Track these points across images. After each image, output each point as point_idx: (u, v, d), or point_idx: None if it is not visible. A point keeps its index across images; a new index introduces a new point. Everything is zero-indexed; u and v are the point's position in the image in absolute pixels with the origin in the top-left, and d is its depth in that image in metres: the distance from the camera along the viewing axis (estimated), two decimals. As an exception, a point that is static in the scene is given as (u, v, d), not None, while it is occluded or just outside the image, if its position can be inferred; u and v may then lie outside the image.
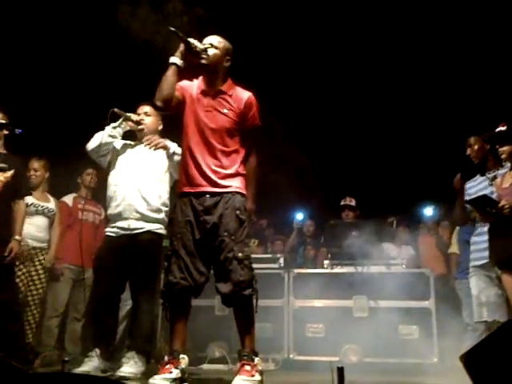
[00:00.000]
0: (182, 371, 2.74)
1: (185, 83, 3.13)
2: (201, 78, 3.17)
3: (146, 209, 3.72)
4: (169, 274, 2.92)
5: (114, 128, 3.84)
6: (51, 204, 4.99)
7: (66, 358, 2.38)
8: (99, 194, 4.93)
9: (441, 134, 6.67)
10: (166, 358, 2.79)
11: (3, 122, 4.00)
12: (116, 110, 3.76)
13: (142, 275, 3.65)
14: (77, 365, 3.52)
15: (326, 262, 5.18)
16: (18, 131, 4.08)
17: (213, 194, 2.96)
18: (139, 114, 3.95)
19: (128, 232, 3.70)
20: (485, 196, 3.56)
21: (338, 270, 5.09)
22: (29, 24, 5.88)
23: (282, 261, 5.34)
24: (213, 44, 3.08)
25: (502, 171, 3.81)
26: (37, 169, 4.90)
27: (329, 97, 7.00)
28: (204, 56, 3.02)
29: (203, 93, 3.10)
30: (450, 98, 6.68)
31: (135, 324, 3.66)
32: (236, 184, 3.01)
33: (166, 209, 3.83)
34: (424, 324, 4.74)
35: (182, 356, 2.80)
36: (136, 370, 3.43)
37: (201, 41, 3.08)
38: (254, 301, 2.90)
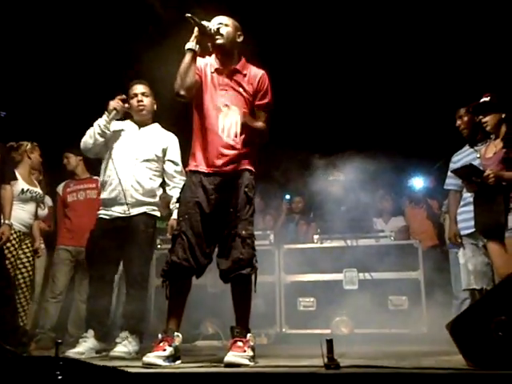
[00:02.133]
0: (176, 348, 2.76)
1: (198, 63, 3.04)
2: (213, 56, 3.12)
3: (140, 193, 3.71)
4: (172, 254, 2.90)
5: (104, 126, 3.73)
6: (39, 189, 4.99)
7: (59, 340, 2.39)
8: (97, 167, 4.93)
9: (431, 104, 6.64)
10: (160, 336, 2.82)
11: None
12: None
13: (134, 255, 3.65)
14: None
15: (316, 236, 5.23)
16: (1, 114, 4.04)
17: (224, 173, 2.94)
18: (136, 95, 3.81)
19: (123, 215, 3.69)
20: (471, 165, 3.59)
21: (327, 244, 5.14)
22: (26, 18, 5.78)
23: (272, 237, 5.39)
24: (223, 23, 3.03)
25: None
26: (32, 151, 4.86)
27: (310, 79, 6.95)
28: (218, 36, 2.98)
29: (217, 71, 3.05)
30: (441, 67, 6.64)
31: (128, 304, 3.69)
32: (246, 161, 3.00)
33: (160, 192, 3.85)
34: (413, 295, 4.82)
35: (176, 334, 2.83)
36: (130, 349, 3.47)
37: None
38: (253, 279, 2.88)
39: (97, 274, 3.70)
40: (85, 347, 3.52)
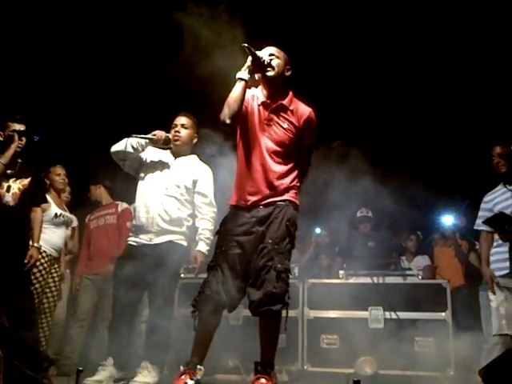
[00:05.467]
0: (197, 382, 2.71)
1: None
2: (260, 87, 3.09)
3: (167, 222, 3.74)
4: (205, 285, 2.88)
5: (139, 143, 3.82)
6: (68, 213, 5.08)
7: (81, 368, 2.38)
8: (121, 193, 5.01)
9: (463, 140, 6.57)
10: (182, 368, 2.77)
11: (22, 129, 4.05)
12: (134, 136, 3.78)
13: (158, 284, 3.63)
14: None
15: (341, 272, 5.14)
16: (36, 138, 4.14)
17: (266, 206, 2.92)
18: (176, 125, 3.91)
19: (148, 243, 3.72)
20: (501, 214, 3.51)
21: (353, 280, 5.05)
22: (53, 33, 5.95)
23: (296, 270, 5.32)
24: (274, 54, 3.01)
25: None
26: (63, 175, 4.97)
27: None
28: (270, 68, 2.95)
29: (264, 105, 3.02)
30: (476, 106, 6.59)
31: (151, 333, 3.65)
32: (291, 195, 2.97)
33: (189, 223, 3.85)
34: (440, 336, 4.67)
35: (199, 367, 2.78)
36: (150, 379, 3.42)
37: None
38: (284, 316, 2.81)
39: (120, 300, 3.69)
40: (103, 376, 3.49)
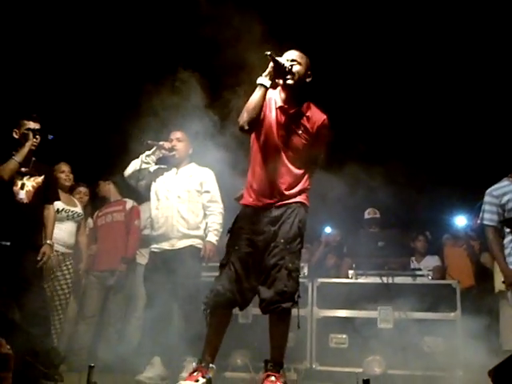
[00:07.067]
0: (209, 381, 2.73)
1: None
2: (278, 89, 3.08)
3: (186, 228, 4.10)
4: (217, 283, 2.91)
5: (148, 156, 4.19)
6: (78, 208, 5.09)
7: (92, 364, 2.41)
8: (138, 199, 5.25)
9: (476, 142, 6.54)
10: (195, 365, 2.79)
11: (37, 127, 4.09)
12: (149, 141, 4.15)
13: (184, 285, 3.91)
14: (106, 371, 3.70)
15: (351, 271, 5.14)
16: (50, 137, 4.19)
17: (279, 207, 2.96)
18: (172, 140, 4.26)
19: (171, 248, 4.07)
20: None
21: (362, 280, 5.05)
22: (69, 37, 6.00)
23: (306, 270, 5.33)
24: (296, 60, 3.00)
25: None
26: (67, 171, 5.01)
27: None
28: (290, 76, 2.94)
29: (281, 110, 3.03)
30: (490, 107, 6.55)
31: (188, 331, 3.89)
32: (302, 197, 3.02)
33: (204, 225, 4.21)
34: (450, 336, 4.66)
35: (211, 366, 2.80)
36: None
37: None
38: (295, 314, 2.85)
39: (156, 305, 3.98)
40: (152, 373, 3.75)
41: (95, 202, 5.66)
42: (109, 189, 5.44)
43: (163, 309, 3.96)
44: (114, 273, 5.01)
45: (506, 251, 3.91)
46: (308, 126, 3.01)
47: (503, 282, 3.97)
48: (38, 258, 3.96)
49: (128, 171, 4.25)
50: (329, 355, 4.84)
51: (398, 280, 4.93)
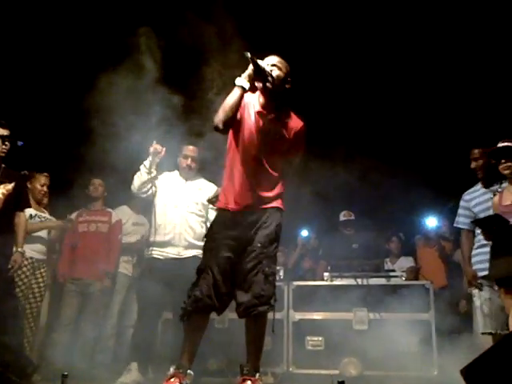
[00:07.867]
0: (186, 387, 2.72)
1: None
2: (257, 94, 3.08)
3: (192, 237, 4.18)
4: (195, 288, 2.90)
5: (150, 166, 4.17)
6: (47, 214, 5.05)
7: (66, 373, 2.37)
8: (110, 202, 5.04)
9: (446, 143, 6.63)
10: (172, 370, 2.77)
11: (5, 134, 4.02)
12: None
13: (182, 292, 3.83)
14: (83, 378, 3.69)
15: (326, 274, 5.17)
16: (19, 143, 4.11)
17: (255, 211, 2.97)
18: (188, 156, 4.32)
19: (176, 256, 4.07)
20: (496, 216, 3.49)
21: (337, 282, 5.08)
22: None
23: (281, 273, 5.34)
24: (276, 65, 2.99)
25: (504, 185, 3.80)
26: (45, 185, 4.96)
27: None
28: (269, 79, 2.93)
29: (260, 114, 3.03)
30: (459, 108, 6.65)
31: None
32: (279, 202, 3.04)
33: None
34: (424, 336, 4.71)
35: (188, 372, 2.79)
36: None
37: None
38: (271, 318, 2.87)
39: (144, 310, 4.02)
40: (128, 379, 3.70)
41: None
42: (102, 191, 5.37)
43: (156, 314, 4.06)
44: (94, 283, 4.99)
45: (475, 251, 4.01)
46: (285, 131, 3.02)
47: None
48: (9, 267, 3.88)
49: (135, 185, 4.22)
50: (305, 358, 4.86)
51: (373, 281, 4.98)
